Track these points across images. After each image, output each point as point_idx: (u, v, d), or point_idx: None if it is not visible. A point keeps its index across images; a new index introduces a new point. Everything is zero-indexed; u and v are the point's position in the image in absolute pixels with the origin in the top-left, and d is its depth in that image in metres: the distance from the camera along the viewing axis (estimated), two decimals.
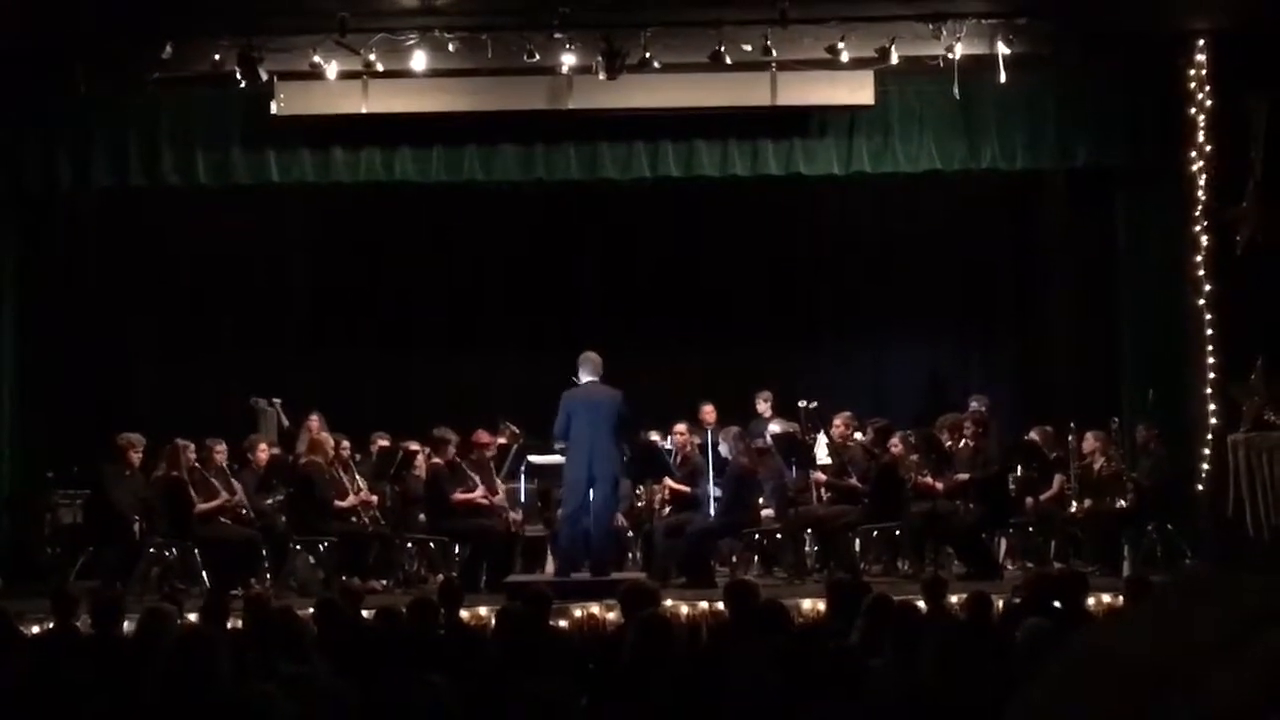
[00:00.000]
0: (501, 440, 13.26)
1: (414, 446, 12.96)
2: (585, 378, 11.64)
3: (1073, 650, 0.94)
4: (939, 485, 12.53)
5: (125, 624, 7.90)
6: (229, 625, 8.08)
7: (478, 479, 12.61)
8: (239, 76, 12.28)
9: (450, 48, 12.42)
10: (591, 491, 11.43)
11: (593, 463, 11.41)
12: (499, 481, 12.82)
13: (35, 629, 9.16)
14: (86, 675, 6.10)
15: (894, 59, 12.45)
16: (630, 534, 12.92)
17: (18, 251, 13.58)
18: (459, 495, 12.48)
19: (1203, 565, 10.43)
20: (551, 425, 11.64)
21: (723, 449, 12.45)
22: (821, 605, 9.25)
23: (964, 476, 12.53)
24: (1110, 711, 0.85)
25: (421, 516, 12.82)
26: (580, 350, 11.84)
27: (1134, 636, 0.90)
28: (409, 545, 12.79)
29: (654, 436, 13.29)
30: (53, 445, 13.38)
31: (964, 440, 12.86)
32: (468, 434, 12.92)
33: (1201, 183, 12.82)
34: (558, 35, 12.40)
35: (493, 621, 8.48)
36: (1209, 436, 12.65)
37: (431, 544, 12.85)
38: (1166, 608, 0.93)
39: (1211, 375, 12.70)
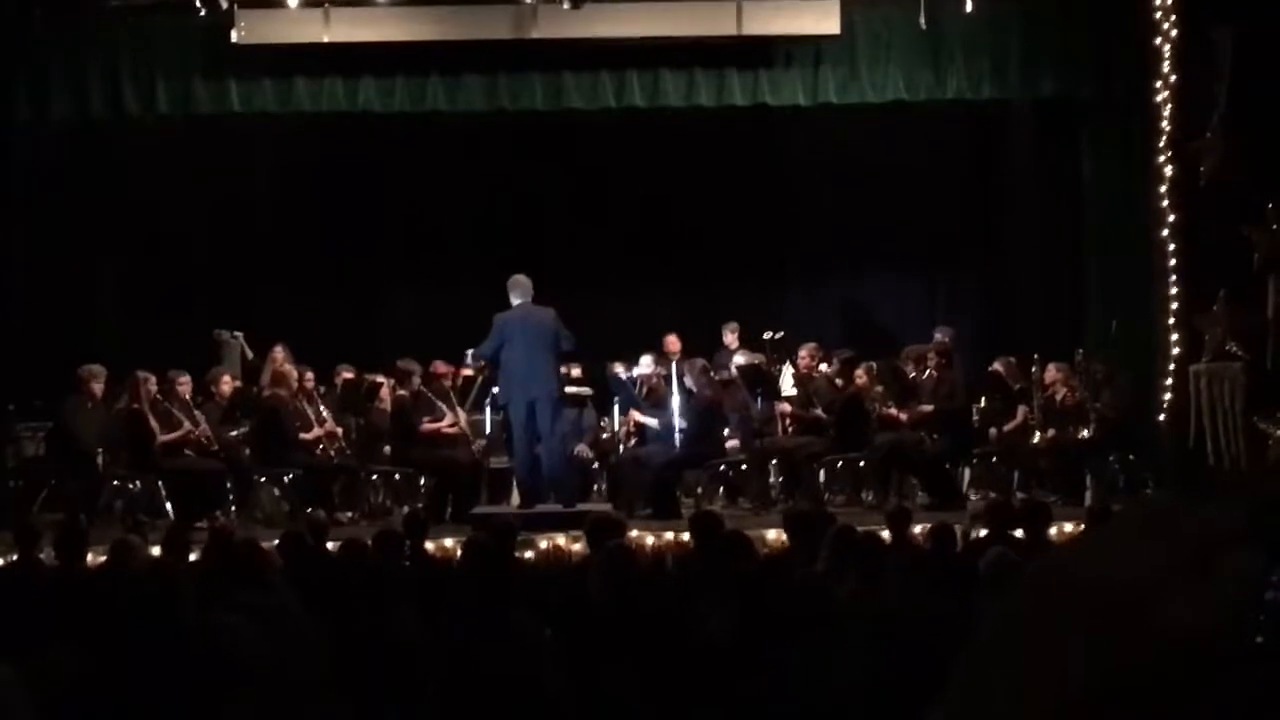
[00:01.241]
0: (468, 372, 13.24)
1: (379, 379, 12.94)
2: (516, 300, 11.60)
3: (1035, 577, 0.94)
4: (903, 416, 12.60)
5: (89, 556, 7.89)
6: (192, 557, 8.07)
7: (444, 407, 12.62)
8: (199, 4, 12.12)
9: None
10: (536, 416, 11.43)
11: (530, 384, 11.39)
12: (461, 412, 12.80)
13: None
14: (50, 608, 6.09)
15: None
16: (596, 465, 12.94)
17: None
18: (427, 425, 12.48)
19: (1163, 493, 10.52)
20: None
21: (687, 381, 12.47)
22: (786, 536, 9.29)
23: (928, 407, 12.61)
24: (1073, 637, 0.85)
25: (386, 449, 12.82)
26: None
27: (1095, 562, 0.90)
28: (374, 477, 12.80)
29: (619, 368, 13.28)
30: (14, 378, 13.27)
31: (928, 371, 12.93)
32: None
33: (1166, 114, 12.80)
34: None
35: (458, 553, 8.51)
36: (1171, 367, 12.71)
37: (397, 476, 12.86)
38: (1126, 534, 0.92)
39: (1174, 306, 12.74)
